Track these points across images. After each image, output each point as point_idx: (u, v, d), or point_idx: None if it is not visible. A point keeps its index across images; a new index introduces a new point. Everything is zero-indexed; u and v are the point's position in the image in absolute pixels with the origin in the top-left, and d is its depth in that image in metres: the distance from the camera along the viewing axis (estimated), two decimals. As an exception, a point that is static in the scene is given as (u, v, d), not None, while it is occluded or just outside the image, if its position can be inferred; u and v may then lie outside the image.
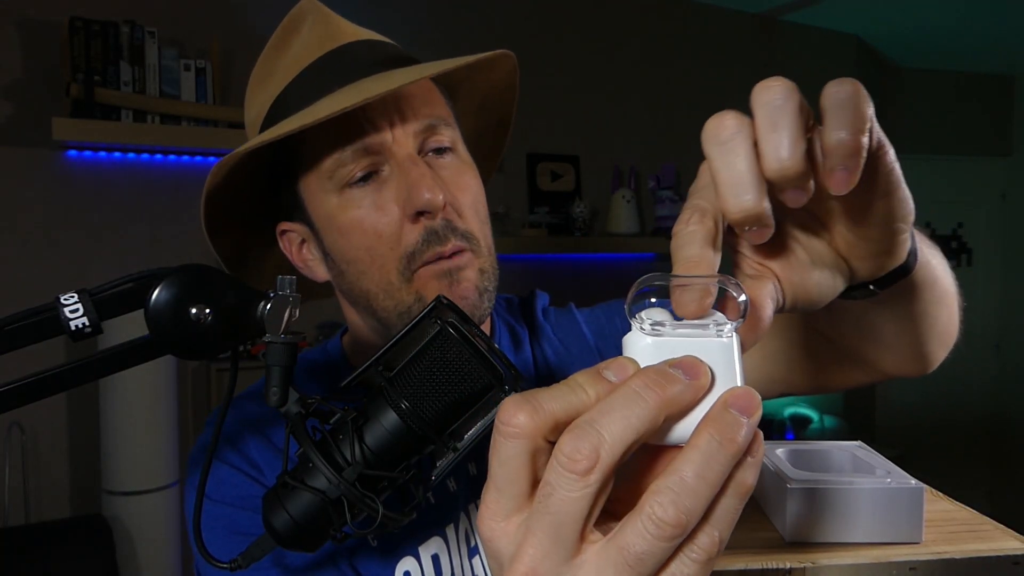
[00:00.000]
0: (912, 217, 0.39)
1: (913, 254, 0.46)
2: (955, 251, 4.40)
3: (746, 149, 0.33)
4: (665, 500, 0.27)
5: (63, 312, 0.47)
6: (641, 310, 0.32)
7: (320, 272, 0.74)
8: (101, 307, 0.48)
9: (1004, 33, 3.59)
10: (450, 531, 0.71)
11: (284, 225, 0.74)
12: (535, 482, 0.30)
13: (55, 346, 2.10)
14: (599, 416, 0.28)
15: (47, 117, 2.09)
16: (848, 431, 3.66)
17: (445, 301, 0.50)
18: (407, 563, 0.68)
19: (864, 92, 0.33)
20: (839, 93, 0.33)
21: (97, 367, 0.49)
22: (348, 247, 0.68)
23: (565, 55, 3.09)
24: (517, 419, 0.29)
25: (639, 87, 3.24)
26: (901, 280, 0.46)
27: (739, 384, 0.31)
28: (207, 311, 0.49)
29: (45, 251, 2.24)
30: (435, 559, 0.69)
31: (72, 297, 0.47)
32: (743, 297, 0.32)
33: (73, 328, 0.47)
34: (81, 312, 0.47)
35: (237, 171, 0.68)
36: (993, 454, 4.41)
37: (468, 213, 0.69)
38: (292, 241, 0.75)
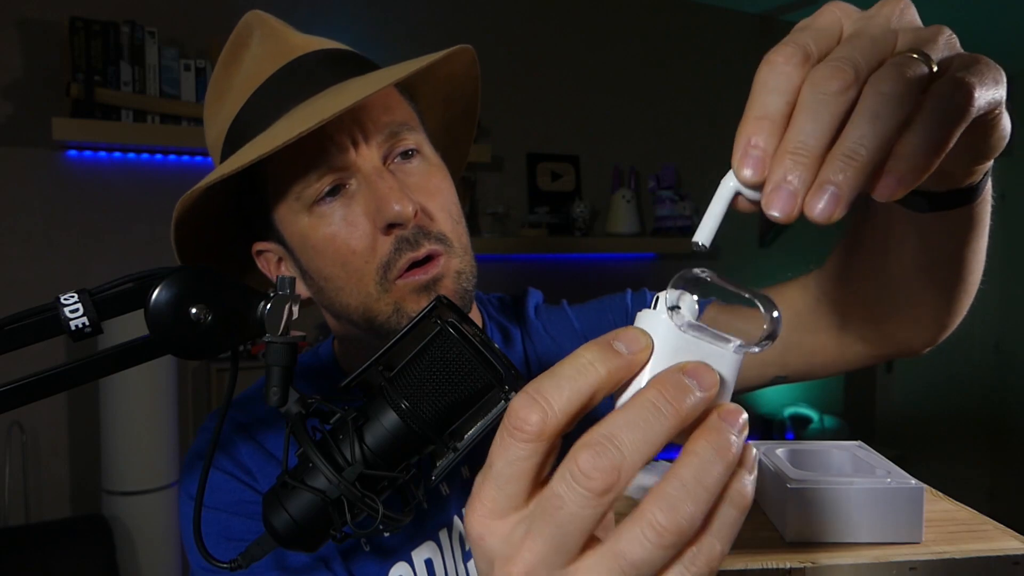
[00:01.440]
0: (1004, 144, 0.38)
1: (986, 177, 0.45)
2: (955, 251, 4.39)
3: (834, 116, 0.30)
4: (665, 505, 0.27)
5: (63, 312, 0.47)
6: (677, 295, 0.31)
7: (300, 289, 0.73)
8: (101, 307, 0.48)
9: (1004, 33, 3.59)
10: (443, 536, 0.71)
11: (259, 245, 0.74)
12: (538, 481, 0.30)
13: (55, 346, 2.10)
14: (620, 432, 0.28)
15: (47, 117, 2.09)
16: (848, 431, 3.66)
17: (445, 301, 0.50)
18: (400, 568, 0.68)
19: (978, 86, 0.31)
20: (950, 88, 0.31)
21: (97, 367, 0.49)
22: (324, 264, 0.67)
23: (565, 55, 3.09)
24: (530, 423, 0.28)
25: (639, 87, 3.24)
26: (963, 206, 0.46)
27: (728, 400, 0.31)
28: (207, 311, 0.49)
29: (45, 251, 2.24)
30: (428, 564, 0.69)
31: (72, 297, 0.47)
32: (776, 314, 0.31)
33: (73, 328, 0.47)
34: (81, 312, 0.47)
35: (204, 198, 0.67)
36: (993, 454, 4.41)
37: (440, 216, 0.68)
38: (269, 260, 0.74)
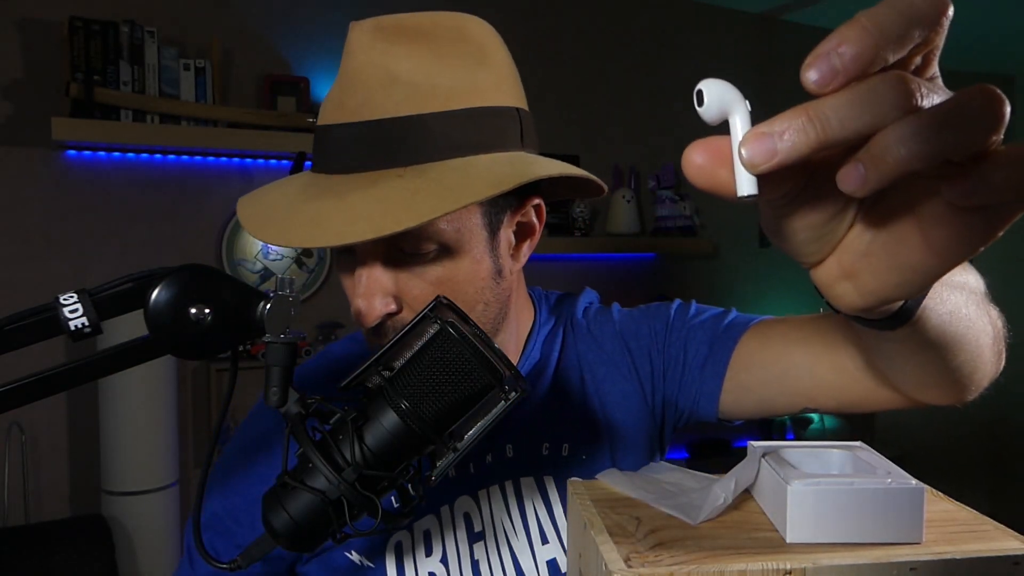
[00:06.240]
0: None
1: (908, 311, 0.43)
2: (955, 251, 4.39)
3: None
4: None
5: (63, 312, 0.47)
6: None
7: None
8: (101, 307, 0.48)
9: (1004, 33, 3.59)
10: (444, 512, 0.74)
11: None
12: None
13: (55, 346, 2.10)
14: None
15: (47, 117, 2.09)
16: (848, 431, 3.66)
17: (445, 301, 0.51)
18: (399, 535, 0.73)
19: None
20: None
21: (97, 367, 0.49)
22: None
23: (565, 55, 3.09)
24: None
25: (639, 87, 3.24)
26: (886, 329, 0.44)
27: None
28: (207, 311, 0.49)
29: (45, 251, 2.24)
30: (427, 535, 0.73)
31: (72, 297, 0.47)
32: None
33: (73, 328, 0.47)
34: (81, 312, 0.47)
35: None
36: (993, 454, 4.41)
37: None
38: None
